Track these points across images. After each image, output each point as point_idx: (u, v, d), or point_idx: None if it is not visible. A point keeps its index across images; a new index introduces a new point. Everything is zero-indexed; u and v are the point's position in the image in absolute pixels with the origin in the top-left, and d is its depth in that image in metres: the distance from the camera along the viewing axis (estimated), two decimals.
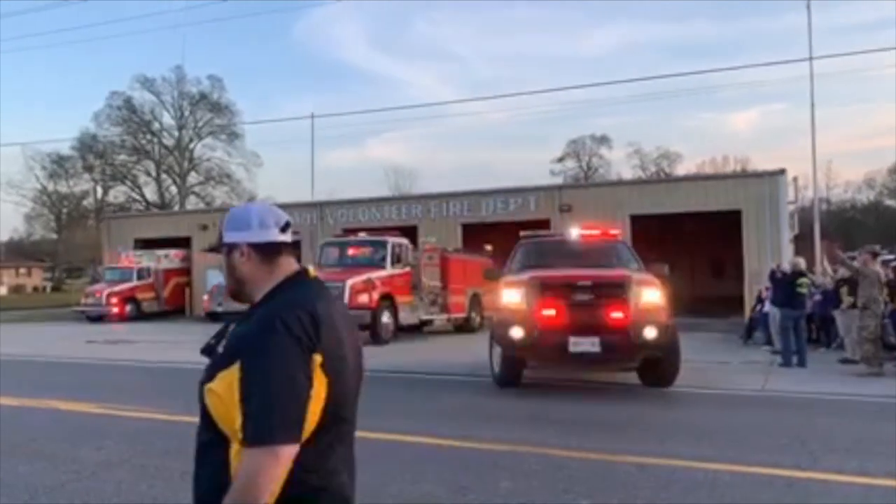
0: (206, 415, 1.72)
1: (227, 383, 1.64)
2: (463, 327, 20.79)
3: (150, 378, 11.60)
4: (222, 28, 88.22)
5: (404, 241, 18.76)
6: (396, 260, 18.17)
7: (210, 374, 1.71)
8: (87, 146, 61.09)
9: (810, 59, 24.64)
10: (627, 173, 64.03)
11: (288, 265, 1.87)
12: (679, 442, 6.28)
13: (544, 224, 24.60)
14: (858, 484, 5.03)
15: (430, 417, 7.65)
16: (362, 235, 19.42)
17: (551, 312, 8.89)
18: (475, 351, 14.55)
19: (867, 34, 70.69)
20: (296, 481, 1.62)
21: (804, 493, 4.85)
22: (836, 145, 75.86)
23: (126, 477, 5.32)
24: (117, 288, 27.13)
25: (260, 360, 1.62)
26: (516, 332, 8.95)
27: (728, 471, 5.30)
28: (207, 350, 1.80)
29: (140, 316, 26.91)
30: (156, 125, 62.69)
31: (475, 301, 21.31)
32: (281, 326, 1.65)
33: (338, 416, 1.74)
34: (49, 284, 71.38)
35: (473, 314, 21.26)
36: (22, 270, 74.79)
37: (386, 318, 16.96)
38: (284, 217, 1.90)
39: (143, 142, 63.00)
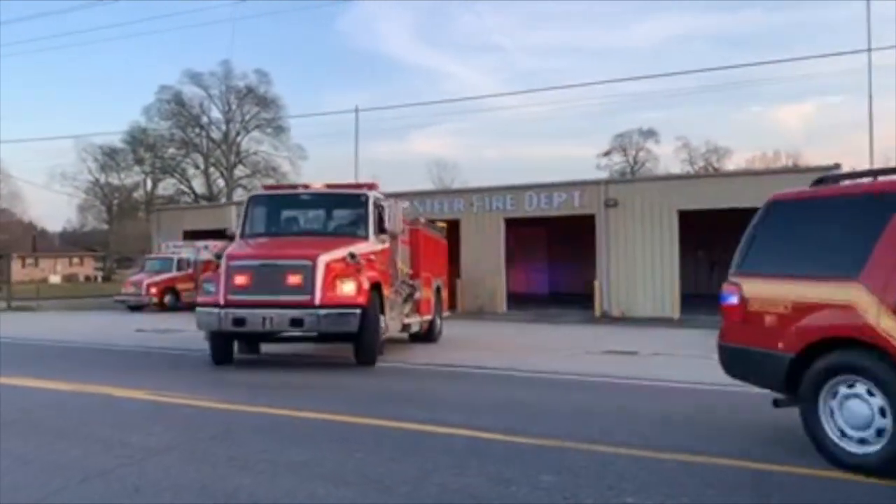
0: None
1: None
2: (423, 335, 14.24)
3: (192, 365, 11.80)
4: (268, 22, 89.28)
5: (388, 199, 11.99)
6: (379, 229, 11.39)
7: None
8: (138, 139, 62.65)
9: (868, 49, 24.03)
10: (675, 168, 63.34)
11: None
12: (725, 440, 6.17)
13: (588, 220, 24.40)
14: None
15: (474, 410, 7.63)
16: (317, 186, 12.08)
17: None
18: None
19: None
20: None
21: (851, 494, 4.72)
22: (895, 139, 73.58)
23: (174, 462, 5.43)
24: (157, 278, 27.66)
25: None
26: None
27: (774, 471, 5.18)
28: None
29: (179, 306, 27.32)
30: (204, 119, 64.02)
31: (438, 298, 15.13)
32: None
33: None
34: (100, 274, 73.38)
35: (436, 316, 14.91)
36: (75, 260, 77.10)
37: (383, 321, 10.89)
38: None
39: (192, 135, 64.34)
